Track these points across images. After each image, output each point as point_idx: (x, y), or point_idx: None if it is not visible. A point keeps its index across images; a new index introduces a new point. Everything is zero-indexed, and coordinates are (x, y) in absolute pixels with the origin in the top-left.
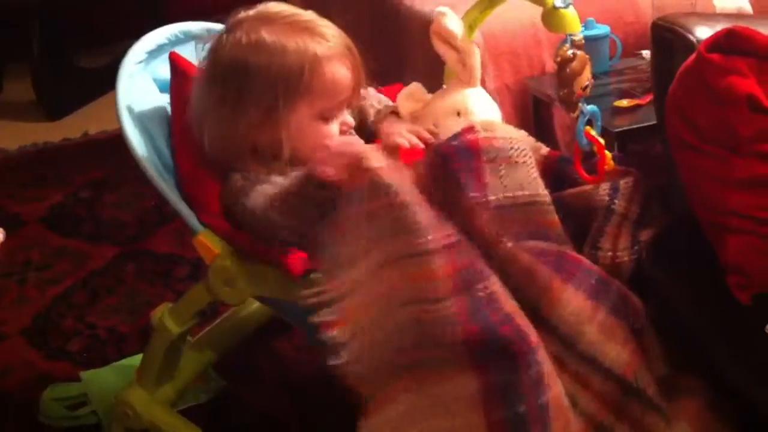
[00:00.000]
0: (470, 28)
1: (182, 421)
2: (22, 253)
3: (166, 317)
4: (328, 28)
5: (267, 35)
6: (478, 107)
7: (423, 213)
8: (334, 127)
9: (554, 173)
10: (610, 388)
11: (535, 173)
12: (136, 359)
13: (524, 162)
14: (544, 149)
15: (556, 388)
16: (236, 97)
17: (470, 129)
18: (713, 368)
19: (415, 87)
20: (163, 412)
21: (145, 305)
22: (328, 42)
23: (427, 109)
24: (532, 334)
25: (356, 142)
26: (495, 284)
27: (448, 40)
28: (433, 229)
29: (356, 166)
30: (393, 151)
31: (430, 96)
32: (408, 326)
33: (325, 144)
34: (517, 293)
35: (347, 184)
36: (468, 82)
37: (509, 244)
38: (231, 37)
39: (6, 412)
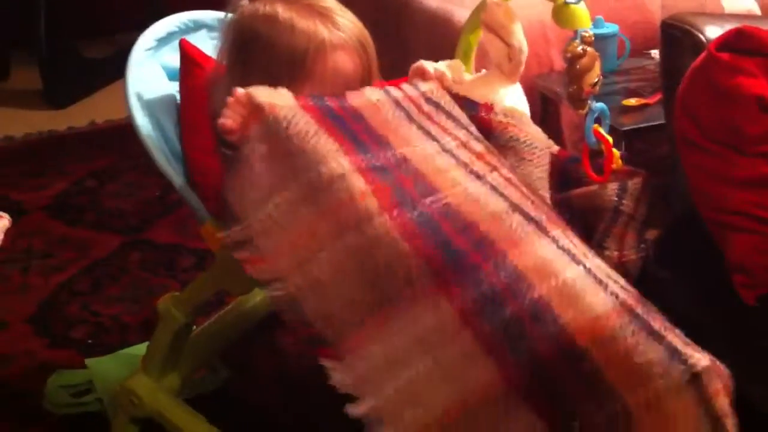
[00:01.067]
0: (465, 54)
1: (187, 410)
2: (25, 241)
3: (172, 306)
4: (344, 18)
5: (281, 11)
6: (512, 102)
7: (326, 141)
8: None
9: (562, 173)
10: (630, 293)
11: (541, 174)
12: (142, 348)
13: (531, 160)
14: (555, 148)
15: (558, 275)
16: (243, 65)
17: (489, 107)
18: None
19: (457, 63)
20: (168, 400)
21: (148, 295)
22: (339, 31)
23: (462, 89)
24: (509, 238)
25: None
26: (455, 196)
27: (499, 32)
28: (344, 154)
29: (250, 109)
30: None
31: (468, 77)
32: (347, 265)
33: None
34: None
35: (245, 128)
36: (509, 77)
37: (505, 172)
38: (250, 7)
39: (10, 399)
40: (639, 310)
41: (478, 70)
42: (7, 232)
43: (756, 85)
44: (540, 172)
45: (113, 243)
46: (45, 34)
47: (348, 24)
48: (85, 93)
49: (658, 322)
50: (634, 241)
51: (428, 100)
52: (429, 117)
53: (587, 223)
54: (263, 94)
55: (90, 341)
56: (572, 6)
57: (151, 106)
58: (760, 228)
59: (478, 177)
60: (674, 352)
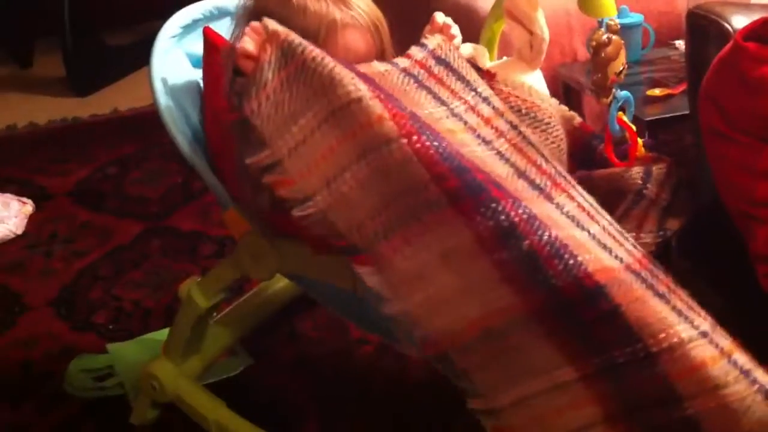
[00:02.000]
0: (489, 43)
1: (207, 395)
2: (49, 226)
3: (194, 291)
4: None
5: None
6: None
7: (341, 68)
8: None
9: (584, 149)
10: (640, 254)
11: (544, 148)
12: (164, 333)
13: (533, 133)
14: (577, 120)
15: (566, 230)
16: None
17: (491, 75)
18: None
19: (481, 48)
20: (189, 385)
21: (170, 281)
22: (351, 11)
23: None
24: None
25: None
26: (467, 153)
27: (522, 20)
28: (360, 81)
29: (266, 36)
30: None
31: (489, 64)
32: (371, 182)
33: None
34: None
35: (261, 49)
36: (530, 64)
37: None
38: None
39: (32, 382)
40: (644, 273)
41: (500, 59)
42: (31, 217)
43: None
44: (546, 149)
45: (135, 229)
46: (69, 23)
47: (362, 4)
48: (109, 81)
49: (663, 286)
50: (653, 226)
51: (438, 59)
52: (439, 81)
53: (607, 204)
54: (277, 25)
55: (111, 327)
56: None
57: (175, 93)
58: None
59: (485, 142)
60: (679, 312)
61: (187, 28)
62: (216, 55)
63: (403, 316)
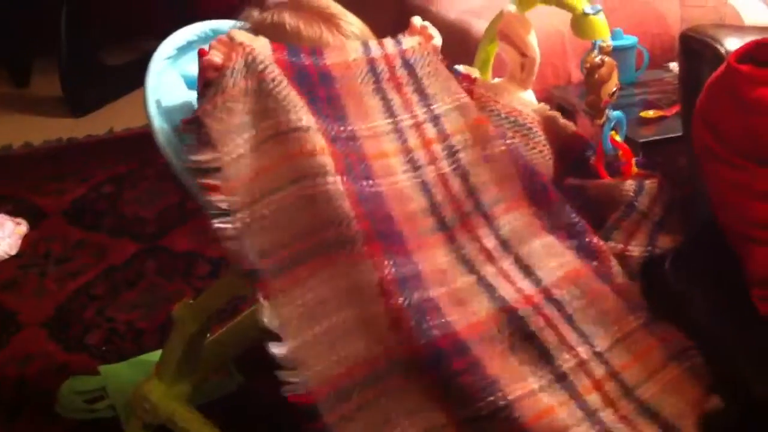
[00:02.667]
0: (483, 64)
1: (199, 417)
2: (44, 246)
3: (186, 313)
4: (349, 24)
5: (289, 19)
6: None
7: (294, 96)
8: None
9: (578, 158)
10: (533, 291)
11: (526, 153)
12: (155, 355)
13: (513, 138)
14: (572, 128)
15: (449, 284)
16: None
17: (471, 79)
18: (736, 382)
19: (473, 71)
20: (181, 407)
21: (164, 302)
22: (343, 36)
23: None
24: (417, 240)
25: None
26: (387, 186)
27: (516, 42)
28: (309, 114)
29: (232, 47)
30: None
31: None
32: (295, 209)
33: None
34: (485, 181)
35: (226, 58)
36: (521, 84)
37: (510, 143)
38: (259, 17)
39: (24, 402)
40: (521, 311)
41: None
42: (26, 237)
43: None
44: (524, 151)
45: (130, 249)
46: (66, 42)
47: (354, 29)
48: (105, 101)
49: (542, 321)
50: (643, 239)
51: (405, 62)
52: (397, 86)
53: (598, 214)
54: (244, 36)
55: (104, 348)
56: (591, 16)
57: (169, 114)
58: None
59: (414, 167)
60: (544, 353)
61: (182, 50)
62: None
63: (290, 355)
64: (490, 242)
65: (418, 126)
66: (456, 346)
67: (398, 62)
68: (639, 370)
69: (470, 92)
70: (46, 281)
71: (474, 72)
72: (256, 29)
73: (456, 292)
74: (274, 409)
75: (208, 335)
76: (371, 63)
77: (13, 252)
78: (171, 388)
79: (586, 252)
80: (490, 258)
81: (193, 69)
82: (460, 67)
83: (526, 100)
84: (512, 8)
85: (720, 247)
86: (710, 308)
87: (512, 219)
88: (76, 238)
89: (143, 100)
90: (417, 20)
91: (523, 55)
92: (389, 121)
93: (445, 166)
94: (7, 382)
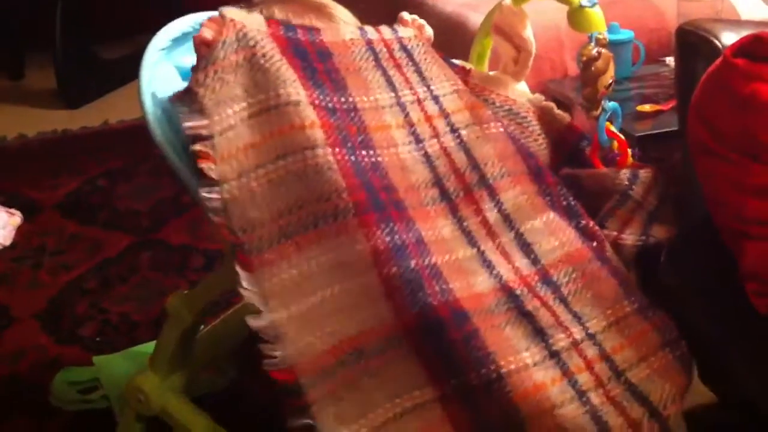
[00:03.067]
0: (480, 57)
1: (193, 408)
2: (37, 239)
3: (180, 304)
4: (338, 11)
5: (278, 12)
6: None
7: (286, 69)
8: None
9: (572, 149)
10: (530, 271)
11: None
12: (150, 346)
13: (508, 126)
14: (567, 119)
15: (450, 254)
16: None
17: (466, 71)
18: (730, 377)
19: (467, 65)
20: (175, 398)
21: (157, 294)
22: (332, 23)
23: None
24: (420, 209)
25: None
26: (388, 156)
27: (511, 36)
28: (301, 87)
29: (223, 22)
30: None
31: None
32: (283, 184)
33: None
34: (489, 156)
35: (217, 34)
36: (515, 77)
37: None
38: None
39: (17, 394)
40: (518, 290)
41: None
42: (20, 229)
43: None
44: (522, 138)
45: (124, 242)
46: (60, 35)
47: (342, 16)
48: (100, 93)
49: (537, 301)
50: (637, 228)
51: (403, 47)
52: (397, 65)
53: (592, 203)
54: (236, 13)
55: (98, 339)
56: (587, 9)
57: (164, 105)
58: None
59: (417, 140)
60: (539, 331)
61: (177, 41)
62: None
63: (270, 330)
64: (492, 216)
65: (419, 102)
66: (455, 314)
67: (396, 46)
68: (630, 353)
69: (465, 83)
70: (40, 274)
71: (468, 66)
72: None
73: (458, 262)
74: (267, 403)
75: (202, 327)
76: (369, 44)
77: (7, 243)
78: (165, 380)
79: (584, 233)
80: (490, 233)
81: (187, 60)
82: (455, 62)
83: (521, 91)
84: (509, 2)
85: (714, 242)
86: (704, 303)
87: (517, 193)
88: (70, 231)
89: (138, 91)
90: (406, 15)
91: (518, 48)
92: (391, 95)
93: (449, 140)
94: (1, 374)
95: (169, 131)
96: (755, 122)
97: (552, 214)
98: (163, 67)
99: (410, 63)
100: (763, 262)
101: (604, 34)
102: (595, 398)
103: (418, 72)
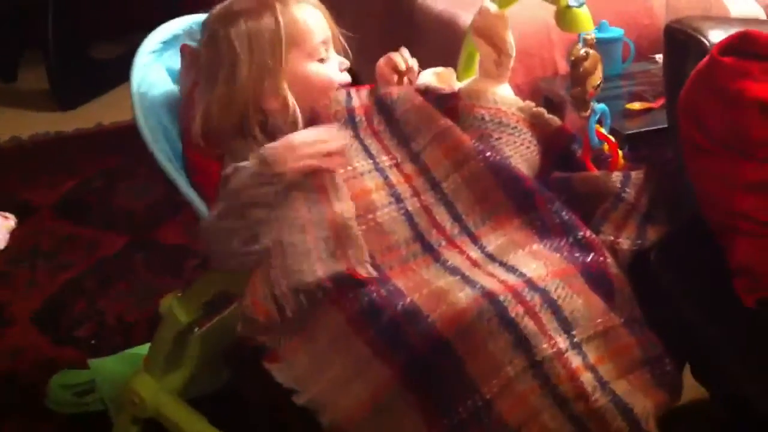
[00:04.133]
0: (470, 56)
1: (188, 410)
2: (32, 240)
3: (174, 306)
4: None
5: (235, 6)
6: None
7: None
8: (330, 65)
9: (563, 152)
10: (516, 281)
11: (511, 151)
12: (145, 348)
13: (499, 138)
14: (557, 122)
15: (425, 290)
16: (229, 70)
17: (455, 96)
18: (721, 372)
19: (448, 70)
20: (170, 400)
21: (153, 295)
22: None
23: None
24: (401, 266)
25: (319, 137)
26: (366, 223)
27: (493, 38)
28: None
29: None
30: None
31: (457, 84)
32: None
33: (289, 139)
34: (470, 204)
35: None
36: (497, 80)
37: (497, 155)
38: (208, 23)
39: (13, 396)
40: (502, 297)
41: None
42: (15, 232)
43: (760, 88)
44: (509, 151)
45: (120, 243)
46: (53, 36)
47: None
48: (93, 95)
49: (521, 308)
50: (632, 231)
51: (382, 107)
52: (375, 133)
53: (585, 207)
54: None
55: (93, 342)
56: (575, 9)
57: (154, 107)
58: (765, 231)
59: (398, 200)
60: (521, 340)
61: (168, 44)
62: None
63: (312, 404)
64: (475, 255)
65: (397, 165)
66: (435, 348)
67: (375, 109)
68: (610, 367)
69: (456, 108)
70: (36, 275)
71: (451, 77)
72: (215, 31)
73: (438, 289)
74: (262, 404)
75: (196, 329)
76: (351, 112)
77: (1, 246)
78: (159, 382)
79: (580, 247)
80: (475, 264)
81: (177, 62)
82: (436, 77)
83: (510, 99)
84: (490, 5)
85: (705, 238)
86: (694, 299)
87: (499, 236)
88: (65, 233)
89: (130, 93)
90: (398, 59)
91: (499, 52)
92: (369, 162)
93: (429, 198)
94: None
95: (159, 134)
96: (744, 119)
97: (536, 246)
98: (153, 69)
99: (389, 126)
100: (752, 258)
101: (592, 35)
102: (578, 408)
103: (397, 133)
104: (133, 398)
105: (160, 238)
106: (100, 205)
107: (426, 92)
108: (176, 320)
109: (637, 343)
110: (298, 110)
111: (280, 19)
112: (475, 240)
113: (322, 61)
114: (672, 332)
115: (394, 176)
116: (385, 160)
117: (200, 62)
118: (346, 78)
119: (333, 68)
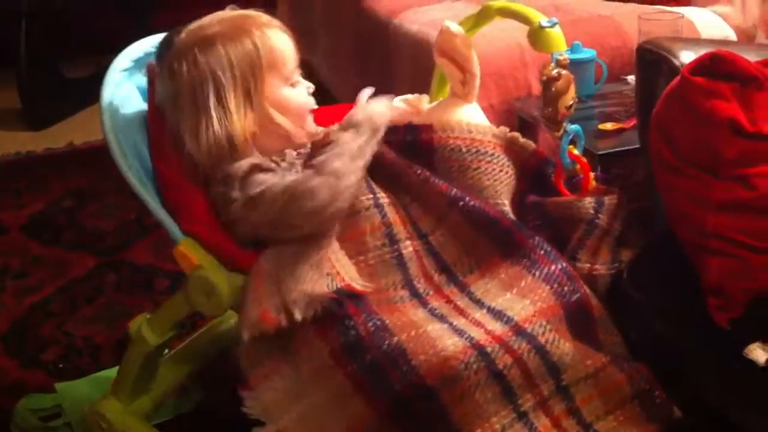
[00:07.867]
0: (442, 77)
1: None
2: (1, 260)
3: (143, 328)
4: (257, 12)
5: (207, 30)
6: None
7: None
8: (301, 90)
9: (538, 175)
10: (503, 330)
11: (489, 181)
12: (113, 372)
13: (477, 168)
14: (531, 146)
15: (418, 328)
16: (216, 98)
17: (429, 128)
18: (693, 390)
19: (416, 96)
20: (137, 424)
21: (123, 316)
22: (261, 18)
23: (421, 119)
24: (387, 305)
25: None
26: (354, 264)
27: (456, 59)
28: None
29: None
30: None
31: (426, 107)
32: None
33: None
34: (457, 255)
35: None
36: (464, 98)
37: (471, 201)
38: (180, 47)
39: None
40: (489, 348)
41: None
42: None
43: (730, 108)
44: (488, 180)
45: (90, 263)
46: (25, 54)
47: (263, 14)
48: (65, 114)
49: (509, 358)
50: (606, 256)
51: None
52: (370, 172)
53: (559, 232)
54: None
55: (61, 365)
56: (547, 29)
57: (125, 126)
58: (736, 251)
59: (392, 242)
60: (508, 391)
61: (139, 62)
62: None
63: None
64: (462, 302)
65: (394, 204)
66: (420, 394)
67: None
68: (599, 404)
69: (431, 140)
70: (3, 296)
71: (420, 102)
72: (189, 54)
73: (425, 333)
74: (232, 427)
75: (166, 351)
76: None
77: None
78: (128, 406)
79: (568, 277)
80: (462, 313)
81: None
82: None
83: (484, 127)
84: (451, 24)
85: (677, 258)
86: (666, 318)
87: (487, 281)
88: (34, 253)
89: (99, 112)
90: (400, 104)
91: (463, 70)
92: (370, 197)
93: (419, 245)
94: None
95: (130, 153)
96: (714, 137)
97: (525, 281)
98: (124, 87)
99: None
100: (724, 277)
101: (565, 55)
102: None
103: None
104: (100, 423)
105: (131, 258)
106: (70, 225)
107: (396, 131)
108: (145, 343)
109: (626, 379)
110: (290, 126)
111: (258, 43)
112: (463, 288)
113: (293, 85)
114: (644, 349)
115: (392, 215)
116: (383, 196)
117: (167, 84)
118: (313, 102)
119: (304, 92)
